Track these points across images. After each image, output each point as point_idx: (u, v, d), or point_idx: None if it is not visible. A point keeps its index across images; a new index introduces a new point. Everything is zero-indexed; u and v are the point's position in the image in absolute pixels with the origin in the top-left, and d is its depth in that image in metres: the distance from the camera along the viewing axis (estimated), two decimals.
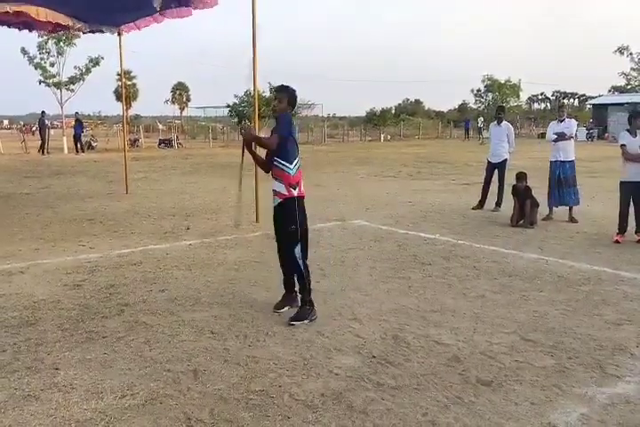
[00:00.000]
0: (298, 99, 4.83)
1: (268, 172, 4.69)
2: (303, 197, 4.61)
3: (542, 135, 36.22)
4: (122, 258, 6.54)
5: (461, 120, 52.35)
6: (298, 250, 4.51)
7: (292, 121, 4.67)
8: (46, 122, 27.36)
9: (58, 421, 3.03)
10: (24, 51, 27.86)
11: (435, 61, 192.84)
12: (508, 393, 3.32)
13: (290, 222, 4.51)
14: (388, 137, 43.88)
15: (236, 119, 40.82)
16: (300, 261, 4.53)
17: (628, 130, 7.49)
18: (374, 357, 3.83)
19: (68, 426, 2.98)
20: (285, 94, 4.63)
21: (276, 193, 4.58)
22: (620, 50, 40.36)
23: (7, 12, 8.89)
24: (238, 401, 3.24)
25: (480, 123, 40.72)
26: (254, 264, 6.22)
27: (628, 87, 47.00)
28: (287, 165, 4.51)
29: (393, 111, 56.59)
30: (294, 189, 4.52)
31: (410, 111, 66.71)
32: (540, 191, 9.09)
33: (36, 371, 3.62)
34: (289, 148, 4.51)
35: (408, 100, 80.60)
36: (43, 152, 25.23)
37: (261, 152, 4.69)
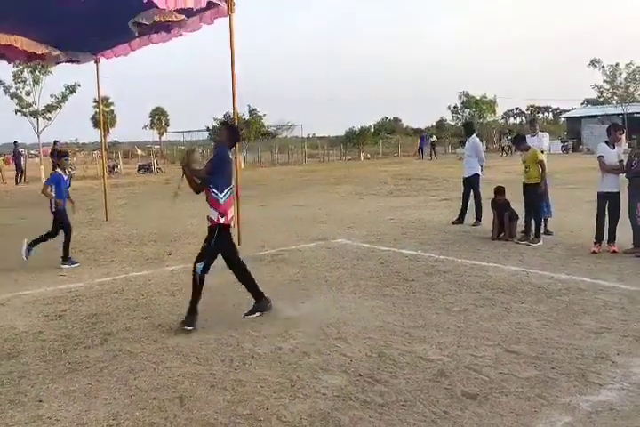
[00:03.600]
0: (238, 136, 5.49)
1: (197, 193, 5.10)
2: (228, 228, 5.08)
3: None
4: (103, 286, 6.49)
5: (440, 137, 52.92)
6: (199, 266, 4.97)
7: (225, 155, 5.10)
8: (21, 151, 27.07)
9: None
10: None
11: (411, 79, 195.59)
12: (494, 406, 3.34)
13: (206, 242, 5.03)
14: (368, 155, 44.21)
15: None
16: (197, 275, 5.00)
17: (606, 141, 7.63)
18: (361, 375, 3.85)
19: None
20: (225, 130, 5.34)
21: (208, 219, 5.03)
22: (593, 63, 41.39)
23: None
24: (226, 426, 3.22)
25: (432, 140, 39.81)
26: (237, 287, 6.18)
27: (601, 99, 48.05)
28: (217, 193, 4.96)
29: (372, 130, 57.11)
30: (222, 217, 4.97)
31: (389, 129, 67.39)
32: (518, 204, 9.22)
33: (20, 404, 3.57)
34: (219, 179, 4.95)
35: (386, 118, 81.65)
36: (18, 182, 24.97)
37: None
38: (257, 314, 5.17)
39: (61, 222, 7.82)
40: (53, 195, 7.67)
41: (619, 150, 7.56)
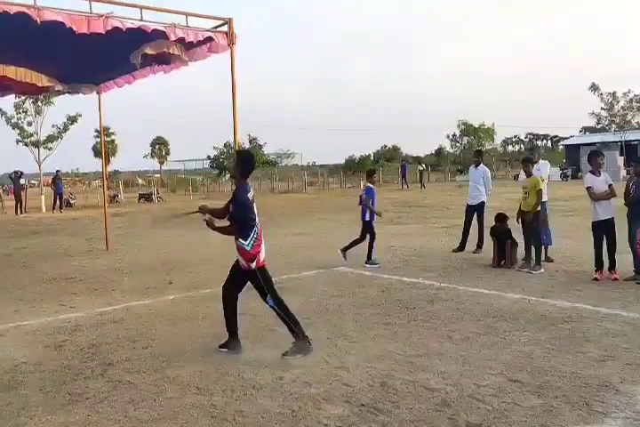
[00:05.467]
0: (253, 162, 5.18)
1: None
2: (263, 267, 4.89)
3: (517, 177, 36.78)
4: (103, 316, 6.47)
5: (439, 164, 53.20)
6: (270, 302, 4.89)
7: (245, 199, 4.77)
8: (21, 182, 27.01)
9: None
10: (1, 111, 28.10)
11: (410, 108, 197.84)
12: None
13: (261, 293, 4.91)
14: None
15: (217, 171, 41.18)
16: (275, 307, 4.89)
17: (591, 171, 7.75)
18: (363, 405, 3.81)
19: None
20: (237, 159, 5.07)
21: (239, 260, 4.89)
22: (593, 87, 42.00)
23: None
24: None
25: (420, 169, 39.10)
26: (238, 317, 6.17)
27: (599, 127, 48.59)
28: (243, 242, 4.77)
29: (372, 158, 57.56)
30: (252, 263, 4.81)
31: (388, 157, 67.86)
32: (518, 232, 9.24)
33: None
34: (242, 226, 4.76)
35: (386, 146, 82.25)
36: (18, 212, 24.78)
37: None
38: (298, 356, 4.74)
39: (367, 230, 9.27)
40: (374, 207, 9.21)
41: (605, 176, 7.65)
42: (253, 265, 4.80)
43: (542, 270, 8.08)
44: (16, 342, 5.56)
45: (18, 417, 3.82)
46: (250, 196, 4.84)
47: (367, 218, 9.26)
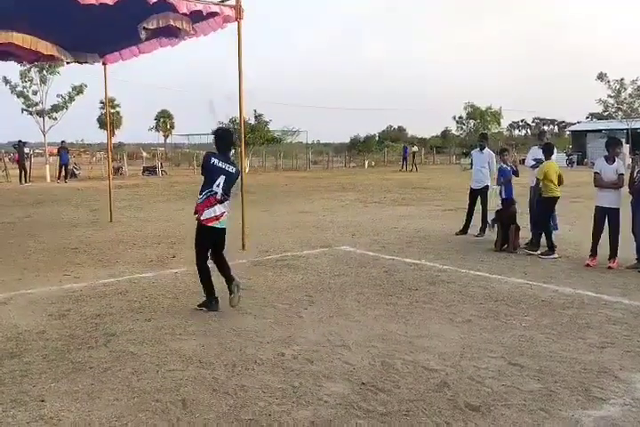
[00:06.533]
0: (227, 140, 5.81)
1: None
2: (206, 227, 5.53)
3: (522, 161, 36.41)
4: (107, 287, 6.50)
5: (445, 146, 52.91)
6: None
7: (205, 163, 5.57)
8: (25, 151, 27.03)
9: None
10: (6, 79, 27.87)
11: (418, 89, 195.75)
12: (497, 418, 3.34)
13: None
14: (372, 163, 44.27)
15: None
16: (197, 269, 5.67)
17: (605, 157, 7.68)
18: (363, 383, 3.84)
19: None
20: (214, 138, 5.84)
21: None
22: (600, 77, 41.50)
23: None
24: None
25: (412, 150, 37.45)
26: (241, 291, 6.21)
27: (605, 114, 48.12)
28: (199, 195, 5.55)
29: (377, 138, 57.21)
30: (196, 214, 5.56)
31: (393, 138, 67.48)
32: (523, 216, 9.23)
33: (22, 403, 3.57)
34: (203, 184, 5.56)
35: (391, 126, 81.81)
36: (22, 181, 24.84)
37: None
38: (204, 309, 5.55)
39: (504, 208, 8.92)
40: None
41: (617, 165, 7.57)
42: (196, 216, 5.53)
43: (556, 255, 8.08)
44: (20, 310, 5.61)
45: (21, 384, 3.86)
46: (215, 163, 5.51)
47: (504, 196, 9.07)
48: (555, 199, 8.43)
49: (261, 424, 3.28)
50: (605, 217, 7.50)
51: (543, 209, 8.42)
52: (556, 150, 9.59)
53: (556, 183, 8.33)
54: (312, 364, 4.19)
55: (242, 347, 4.54)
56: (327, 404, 3.54)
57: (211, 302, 5.57)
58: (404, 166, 36.31)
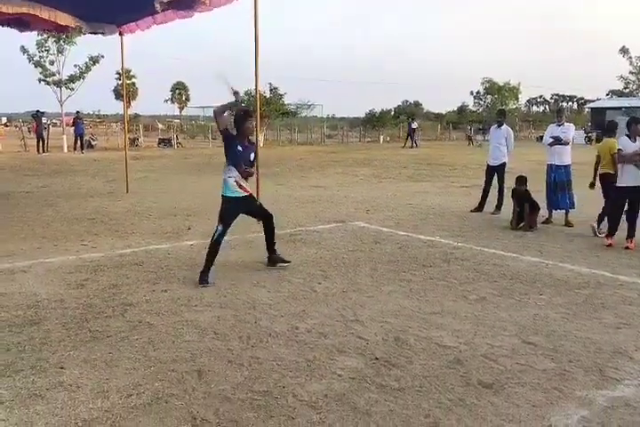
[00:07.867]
0: (239, 117, 5.83)
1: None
2: (230, 198, 5.80)
3: (540, 138, 35.65)
4: (123, 258, 6.57)
5: (461, 122, 52.18)
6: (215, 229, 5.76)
7: (226, 141, 5.78)
8: (44, 121, 27.22)
9: (64, 420, 3.06)
10: (23, 49, 27.81)
11: (434, 64, 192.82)
12: (510, 396, 3.35)
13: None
14: (388, 138, 43.88)
15: None
16: (213, 237, 5.73)
17: (627, 135, 7.58)
18: (377, 358, 3.87)
19: (74, 425, 3.01)
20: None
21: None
22: (623, 51, 40.52)
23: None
24: (243, 402, 3.27)
25: (413, 127, 35.45)
26: (256, 264, 6.25)
27: (626, 91, 47.15)
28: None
29: (392, 113, 56.55)
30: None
31: (409, 113, 66.64)
32: (539, 194, 9.14)
33: (41, 370, 3.64)
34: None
35: (407, 101, 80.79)
36: (40, 151, 25.15)
37: None
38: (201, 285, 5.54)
39: None
40: None
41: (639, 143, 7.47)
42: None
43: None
44: (39, 279, 5.69)
45: (40, 352, 3.93)
46: (239, 152, 5.73)
47: None
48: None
49: (275, 396, 3.33)
50: (627, 196, 7.40)
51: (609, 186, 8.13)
52: (573, 127, 9.44)
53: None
54: (326, 338, 4.22)
55: (256, 319, 4.58)
56: (341, 378, 3.58)
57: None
58: (413, 143, 34.44)
